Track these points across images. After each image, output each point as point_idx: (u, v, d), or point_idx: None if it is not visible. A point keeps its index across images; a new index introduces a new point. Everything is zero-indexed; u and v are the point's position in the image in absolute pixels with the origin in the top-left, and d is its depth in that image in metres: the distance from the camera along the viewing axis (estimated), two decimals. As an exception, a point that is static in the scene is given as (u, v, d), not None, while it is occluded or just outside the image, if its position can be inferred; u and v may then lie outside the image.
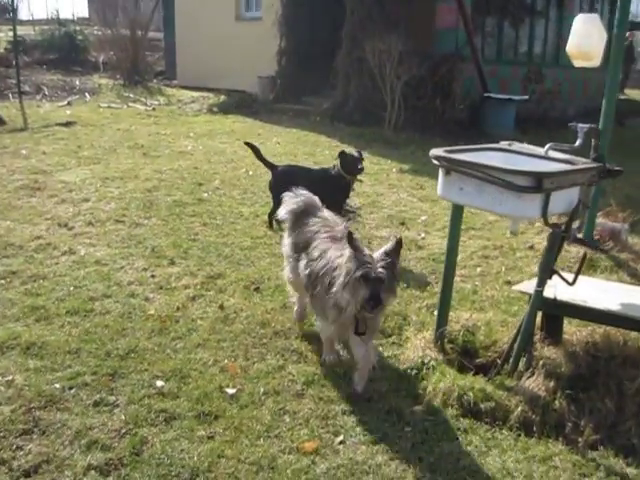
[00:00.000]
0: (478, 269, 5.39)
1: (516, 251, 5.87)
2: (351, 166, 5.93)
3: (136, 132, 11.42)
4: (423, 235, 6.23)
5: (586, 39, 5.49)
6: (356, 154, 6.04)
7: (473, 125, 12.64)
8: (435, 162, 3.45)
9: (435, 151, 3.45)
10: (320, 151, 10.08)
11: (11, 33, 16.85)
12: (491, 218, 6.63)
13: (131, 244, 5.64)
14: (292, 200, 4.18)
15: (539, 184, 3.03)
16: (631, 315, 3.47)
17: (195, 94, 17.00)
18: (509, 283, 5.13)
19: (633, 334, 3.83)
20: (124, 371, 3.62)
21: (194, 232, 6.01)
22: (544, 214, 3.17)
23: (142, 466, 2.85)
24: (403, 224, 6.56)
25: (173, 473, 2.82)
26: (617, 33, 5.33)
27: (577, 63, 5.57)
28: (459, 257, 4.88)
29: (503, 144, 3.93)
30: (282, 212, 4.18)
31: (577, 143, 3.70)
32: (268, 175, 7.23)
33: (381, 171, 8.79)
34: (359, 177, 6.21)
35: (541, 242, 5.91)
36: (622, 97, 21.73)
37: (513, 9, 13.83)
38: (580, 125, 3.69)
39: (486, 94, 12.65)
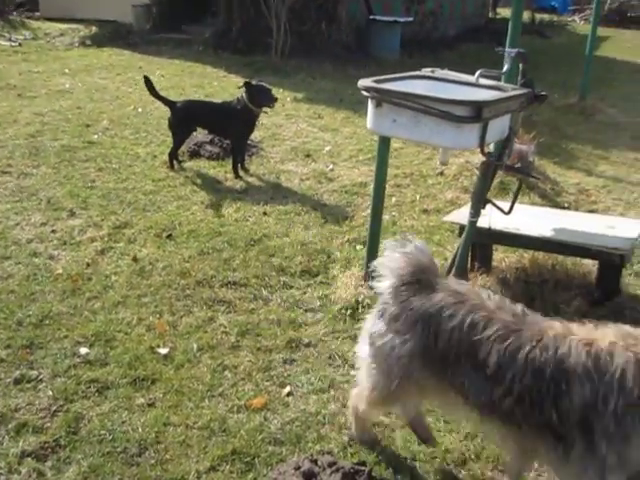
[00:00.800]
0: (393, 199, 5.30)
1: (427, 178, 5.83)
2: (262, 97, 5.63)
3: (5, 71, 10.46)
4: (331, 167, 6.07)
5: None
6: (263, 83, 5.74)
7: (360, 48, 12.44)
8: (365, 93, 3.26)
9: (364, 82, 3.26)
10: (208, 82, 9.62)
11: None
12: (396, 145, 6.54)
13: (23, 197, 5.16)
14: (396, 259, 2.37)
15: (479, 113, 2.92)
16: (564, 239, 3.49)
17: (63, 26, 15.76)
18: (426, 211, 5.10)
19: (560, 257, 3.88)
20: (41, 340, 3.32)
21: (90, 179, 5.58)
22: (481, 144, 3.07)
23: (82, 445, 2.62)
24: (308, 156, 6.36)
25: (119, 449, 2.60)
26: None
27: None
28: (371, 187, 4.79)
29: (426, 71, 3.79)
30: (383, 284, 2.37)
31: (505, 68, 3.62)
32: (159, 111, 6.86)
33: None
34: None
35: (448, 168, 5.90)
36: (497, 17, 22.13)
37: None
38: (508, 50, 3.61)
39: (371, 16, 12.43)
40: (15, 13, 17.90)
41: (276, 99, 5.75)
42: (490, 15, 20.52)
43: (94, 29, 14.59)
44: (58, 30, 15.04)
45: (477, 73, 3.36)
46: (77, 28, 15.08)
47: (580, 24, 28.15)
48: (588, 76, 9.59)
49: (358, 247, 4.43)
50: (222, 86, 9.38)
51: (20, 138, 6.60)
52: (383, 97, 3.15)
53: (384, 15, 12.95)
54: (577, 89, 9.17)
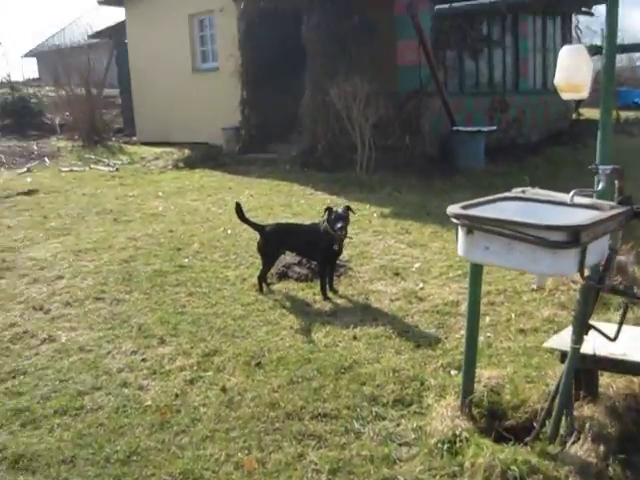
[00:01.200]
0: (487, 318, 5.10)
1: (521, 294, 5.61)
2: (337, 223, 5.61)
3: (102, 196, 11.05)
4: (421, 285, 5.94)
5: (575, 72, 5.33)
6: (341, 211, 5.72)
7: (444, 160, 12.52)
8: (454, 221, 3.17)
9: (452, 209, 3.18)
10: (295, 201, 9.82)
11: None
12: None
13: (115, 324, 5.25)
14: None
15: (576, 238, 2.77)
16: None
17: (157, 150, 16.69)
18: (522, 331, 4.85)
19: (676, 383, 3.58)
20: (129, 479, 3.24)
21: (180, 304, 5.65)
22: (581, 269, 2.90)
23: None
24: (397, 274, 6.27)
25: None
26: (606, 63, 5.17)
27: (565, 96, 5.40)
28: (463, 306, 4.62)
29: (516, 191, 3.68)
30: None
31: (600, 186, 3.48)
32: (248, 233, 6.95)
33: (362, 217, 8.52)
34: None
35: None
36: (580, 117, 22.02)
37: (471, 41, 13.85)
38: (602, 167, 3.48)
39: (454, 128, 12.56)
40: (114, 139, 19.08)
41: (342, 228, 5.61)
42: (573, 116, 20.38)
43: (187, 152, 15.34)
44: (153, 154, 15.89)
45: (571, 193, 3.23)
46: (171, 151, 15.90)
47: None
48: None
49: (453, 372, 4.23)
50: (309, 204, 9.53)
51: (114, 263, 6.82)
52: (474, 224, 3.05)
53: (467, 125, 13.06)
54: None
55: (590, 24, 32.31)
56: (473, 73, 14.35)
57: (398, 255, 6.90)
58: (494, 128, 13.28)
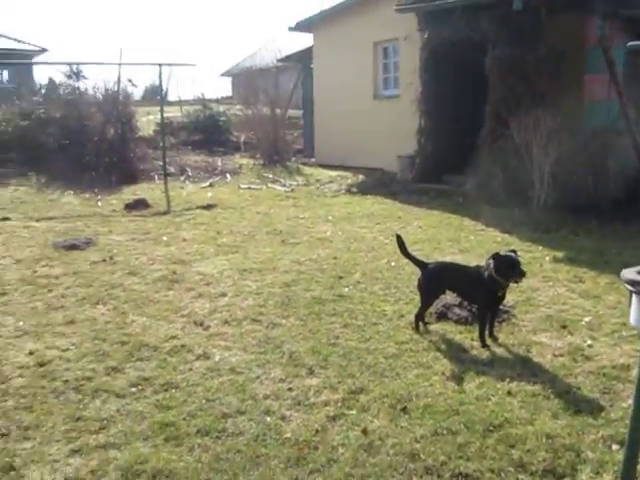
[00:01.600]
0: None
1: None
2: (509, 270, 5.30)
3: (275, 215, 11.36)
4: (589, 342, 5.49)
5: None
6: (512, 255, 5.41)
7: (631, 205, 11.65)
8: (629, 287, 2.86)
9: (628, 274, 2.87)
10: (465, 236, 9.53)
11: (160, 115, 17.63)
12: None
13: (268, 348, 5.31)
14: None
15: None
16: None
17: (333, 173, 16.99)
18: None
19: None
20: (259, 516, 3.21)
21: (334, 335, 5.61)
22: None
23: None
24: (564, 327, 5.84)
25: None
26: None
27: None
28: (635, 371, 4.18)
29: None
30: None
31: None
32: (411, 266, 6.81)
33: (533, 260, 8.09)
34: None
35: None
36: None
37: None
38: None
39: (645, 170, 11.67)
40: (293, 159, 19.67)
41: (524, 274, 5.36)
42: None
43: (361, 177, 15.47)
44: (328, 177, 16.17)
45: None
46: (346, 175, 16.12)
47: None
48: None
49: (614, 447, 3.83)
50: (478, 240, 9.22)
51: (276, 286, 6.94)
52: (650, 293, 2.74)
53: (659, 168, 12.11)
54: None
55: None
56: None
57: (567, 305, 6.45)
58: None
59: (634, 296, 2.87)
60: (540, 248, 8.79)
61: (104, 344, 5.44)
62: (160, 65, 16.09)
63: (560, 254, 8.45)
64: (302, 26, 20.34)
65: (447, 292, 6.02)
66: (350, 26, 17.53)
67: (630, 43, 5.07)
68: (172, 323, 5.93)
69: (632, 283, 2.83)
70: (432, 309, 6.06)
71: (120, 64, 17.68)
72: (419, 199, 12.58)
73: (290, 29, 20.85)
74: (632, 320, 2.94)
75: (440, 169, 13.76)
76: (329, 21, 18.64)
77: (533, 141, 10.76)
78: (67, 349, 5.35)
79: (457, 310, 6.10)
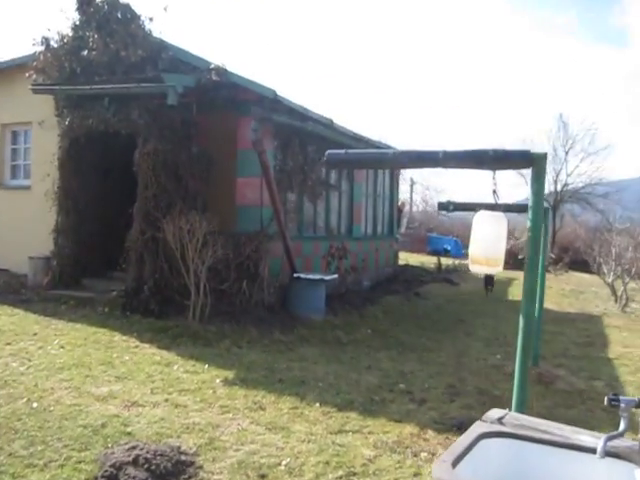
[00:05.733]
0: None
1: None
2: None
3: None
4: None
5: (496, 243, 4.60)
6: None
7: (284, 309, 11.49)
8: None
9: (440, 474, 2.03)
10: (118, 357, 8.09)
11: None
12: None
13: None
14: None
15: None
16: None
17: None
18: None
19: None
20: None
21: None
22: None
23: None
24: (263, 477, 4.90)
25: None
26: (532, 236, 4.38)
27: (478, 269, 4.66)
28: None
29: (492, 419, 2.61)
30: None
31: (622, 427, 2.50)
32: (63, 407, 5.37)
33: (204, 385, 7.10)
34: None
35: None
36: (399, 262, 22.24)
37: (312, 183, 13.28)
38: (624, 399, 2.52)
39: (295, 275, 11.64)
40: None
41: None
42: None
43: (-19, 278, 13.08)
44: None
45: (600, 446, 2.21)
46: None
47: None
48: (539, 342, 9.14)
49: None
50: (135, 361, 7.93)
51: None
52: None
53: (305, 271, 12.25)
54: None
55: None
56: (311, 217, 13.71)
57: (258, 444, 5.53)
58: (335, 276, 12.56)
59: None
60: (206, 367, 7.85)
61: None
62: None
63: (230, 374, 7.61)
64: None
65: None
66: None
67: (329, 152, 4.52)
68: None
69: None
70: (98, 470, 4.68)
71: None
72: (57, 309, 10.77)
73: None
74: None
75: (81, 273, 12.17)
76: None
77: (188, 245, 9.98)
78: None
79: (132, 470, 4.78)
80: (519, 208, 8.88)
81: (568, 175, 37.17)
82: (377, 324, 11.95)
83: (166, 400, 6.50)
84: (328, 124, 13.05)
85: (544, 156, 4.43)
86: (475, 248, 4.50)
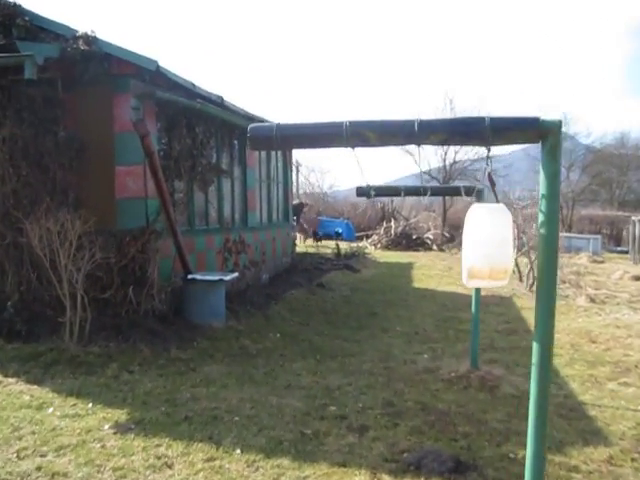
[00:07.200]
0: None
1: None
2: None
3: None
4: None
5: (502, 248, 3.36)
6: None
7: (178, 316, 9.91)
8: None
9: None
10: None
11: None
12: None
13: None
14: None
15: None
16: None
17: None
18: None
19: None
20: None
21: None
22: None
23: None
24: None
25: None
26: (547, 234, 3.18)
27: (478, 283, 3.49)
28: None
29: None
30: None
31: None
32: None
33: (88, 436, 5.49)
34: None
35: None
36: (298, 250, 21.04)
37: (202, 169, 11.67)
38: None
39: (190, 276, 10.06)
40: None
41: None
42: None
43: None
44: None
45: None
46: None
47: (375, 250, 28.38)
48: (477, 341, 8.17)
49: None
50: (1, 408, 6.21)
51: None
52: None
53: (199, 269, 10.73)
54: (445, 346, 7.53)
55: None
56: (203, 207, 12.10)
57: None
58: (236, 275, 11.08)
59: None
60: (91, 405, 6.25)
61: None
62: None
63: (122, 414, 6.04)
64: None
65: None
66: None
67: (253, 126, 3.12)
68: None
69: None
70: None
71: None
72: None
73: None
74: None
75: None
76: None
77: (59, 250, 8.21)
78: None
79: None
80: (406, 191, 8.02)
81: (456, 152, 37.08)
82: (285, 326, 10.64)
83: (38, 469, 4.86)
84: (218, 102, 11.49)
85: (558, 125, 3.21)
86: (475, 257, 3.22)
